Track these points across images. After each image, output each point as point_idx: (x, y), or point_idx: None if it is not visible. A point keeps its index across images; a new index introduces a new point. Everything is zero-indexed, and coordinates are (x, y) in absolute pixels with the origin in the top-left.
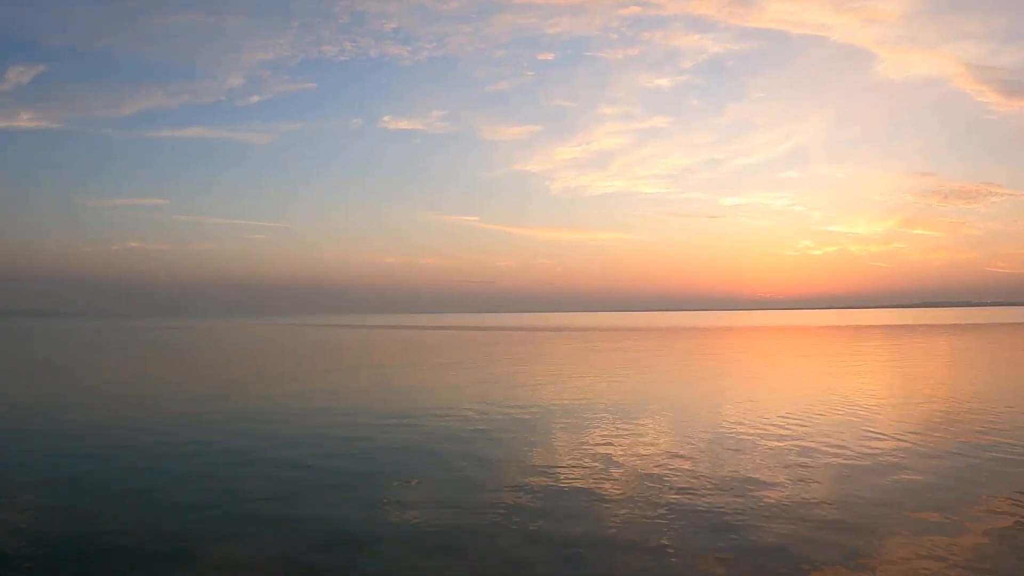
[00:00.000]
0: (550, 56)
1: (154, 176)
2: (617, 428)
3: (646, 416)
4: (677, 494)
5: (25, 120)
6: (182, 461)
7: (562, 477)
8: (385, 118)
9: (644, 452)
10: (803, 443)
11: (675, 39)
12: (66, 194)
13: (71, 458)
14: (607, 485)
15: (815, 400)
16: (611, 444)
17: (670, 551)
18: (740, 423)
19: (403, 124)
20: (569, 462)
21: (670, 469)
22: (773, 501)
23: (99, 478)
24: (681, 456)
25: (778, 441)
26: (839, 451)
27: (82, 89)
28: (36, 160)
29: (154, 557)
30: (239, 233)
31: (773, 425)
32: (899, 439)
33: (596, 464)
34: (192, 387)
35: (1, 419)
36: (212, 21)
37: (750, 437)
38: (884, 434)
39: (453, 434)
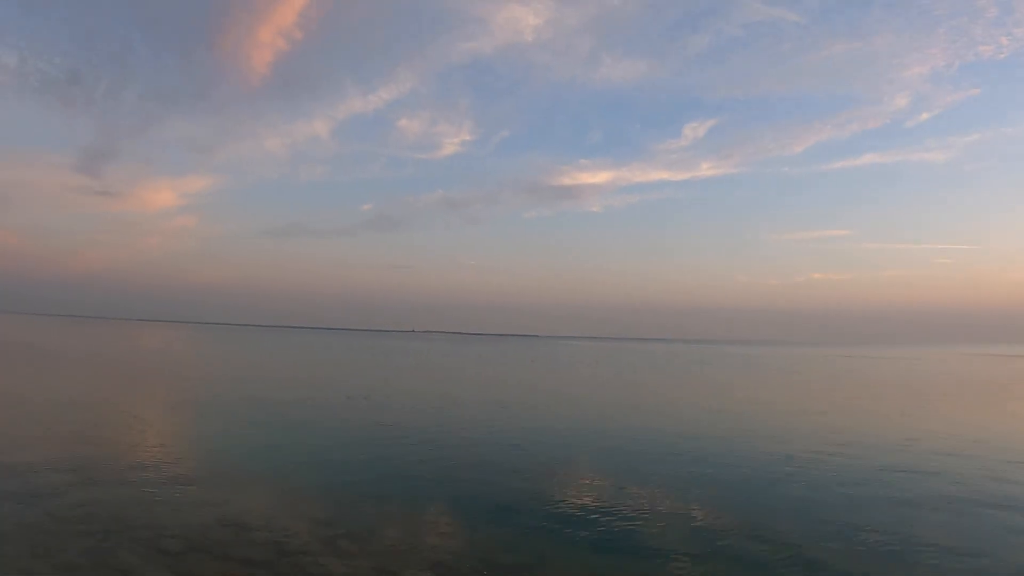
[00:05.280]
0: None
1: (833, 207)
2: None
3: None
4: None
5: (706, 169)
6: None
7: None
8: None
9: None
10: None
11: None
12: (751, 232)
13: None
14: None
15: None
16: None
17: None
18: None
19: None
20: None
21: None
22: None
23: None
24: None
25: None
26: None
27: (752, 134)
28: (719, 203)
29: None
30: (926, 257)
31: None
32: None
33: None
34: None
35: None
36: (860, 46)
37: None
38: None
39: None
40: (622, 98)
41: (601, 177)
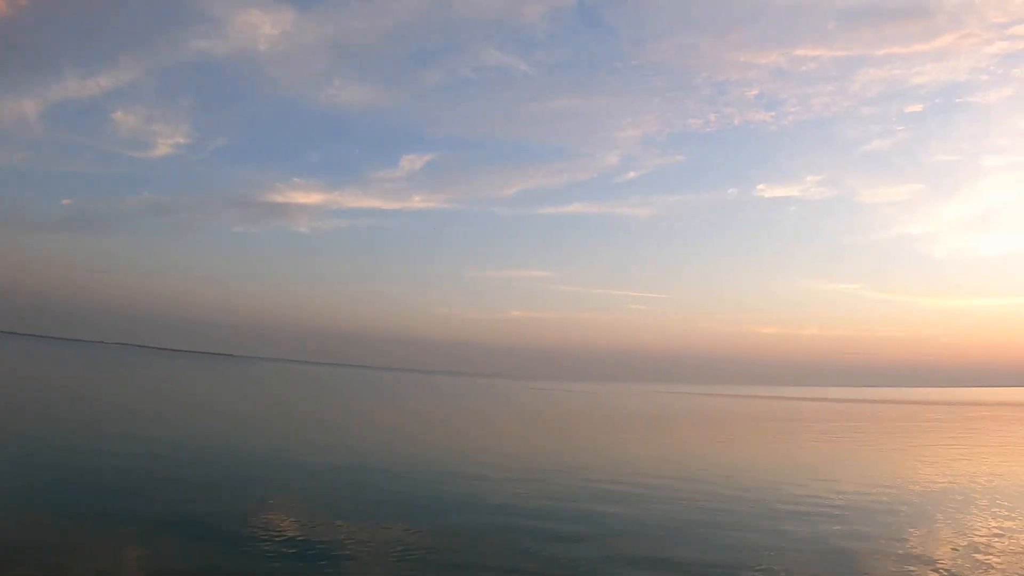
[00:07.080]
0: (919, 108)
1: (537, 249)
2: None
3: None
4: None
5: (418, 202)
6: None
7: None
8: (760, 186)
9: None
10: None
11: None
12: (456, 267)
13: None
14: None
15: None
16: None
17: None
18: None
19: (779, 191)
20: None
21: None
22: None
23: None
24: None
25: None
26: None
27: (468, 173)
28: (428, 236)
29: None
30: (621, 303)
31: None
32: None
33: None
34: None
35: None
36: (580, 104)
37: None
38: None
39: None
40: (346, 122)
41: (314, 198)
